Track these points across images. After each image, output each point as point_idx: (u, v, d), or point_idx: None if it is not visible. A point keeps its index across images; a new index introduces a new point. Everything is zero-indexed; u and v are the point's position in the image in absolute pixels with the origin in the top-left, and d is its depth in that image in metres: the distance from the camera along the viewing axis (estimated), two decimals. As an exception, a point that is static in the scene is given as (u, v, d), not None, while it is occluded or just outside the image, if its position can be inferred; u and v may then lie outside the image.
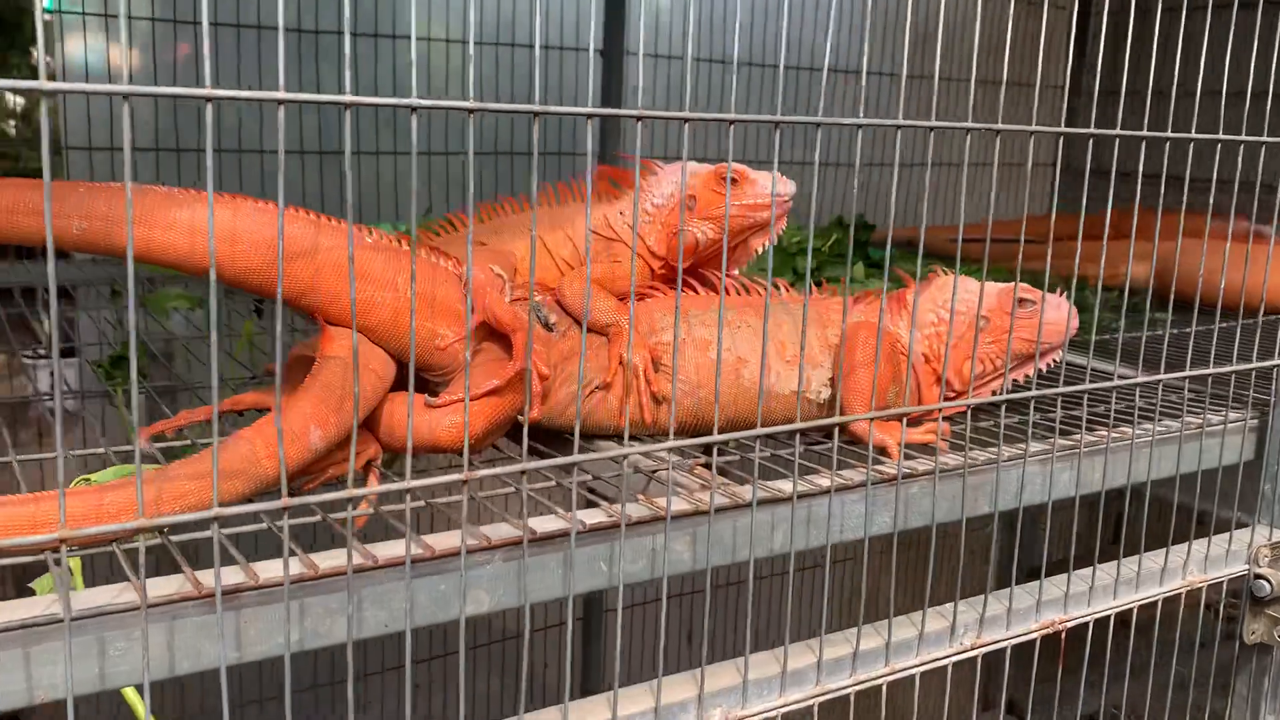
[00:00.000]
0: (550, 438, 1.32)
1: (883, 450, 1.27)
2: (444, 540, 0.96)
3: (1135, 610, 1.37)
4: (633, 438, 1.31)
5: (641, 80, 0.97)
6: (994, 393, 1.51)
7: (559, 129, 2.91)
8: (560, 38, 2.90)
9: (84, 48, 2.35)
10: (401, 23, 2.69)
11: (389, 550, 0.94)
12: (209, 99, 0.68)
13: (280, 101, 0.71)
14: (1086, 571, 1.35)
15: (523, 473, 0.93)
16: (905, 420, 1.27)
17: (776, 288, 1.44)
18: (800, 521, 1.12)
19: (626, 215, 1.43)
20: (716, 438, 1.00)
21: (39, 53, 0.69)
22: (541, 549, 0.98)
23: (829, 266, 2.23)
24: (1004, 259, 2.85)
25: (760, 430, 1.03)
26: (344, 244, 1.21)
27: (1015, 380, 1.48)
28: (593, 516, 1.04)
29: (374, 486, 1.03)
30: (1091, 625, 1.33)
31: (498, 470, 1.03)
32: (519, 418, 1.24)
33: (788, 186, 1.37)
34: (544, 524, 1.01)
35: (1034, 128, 1.18)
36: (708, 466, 1.22)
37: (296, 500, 0.80)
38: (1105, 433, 1.42)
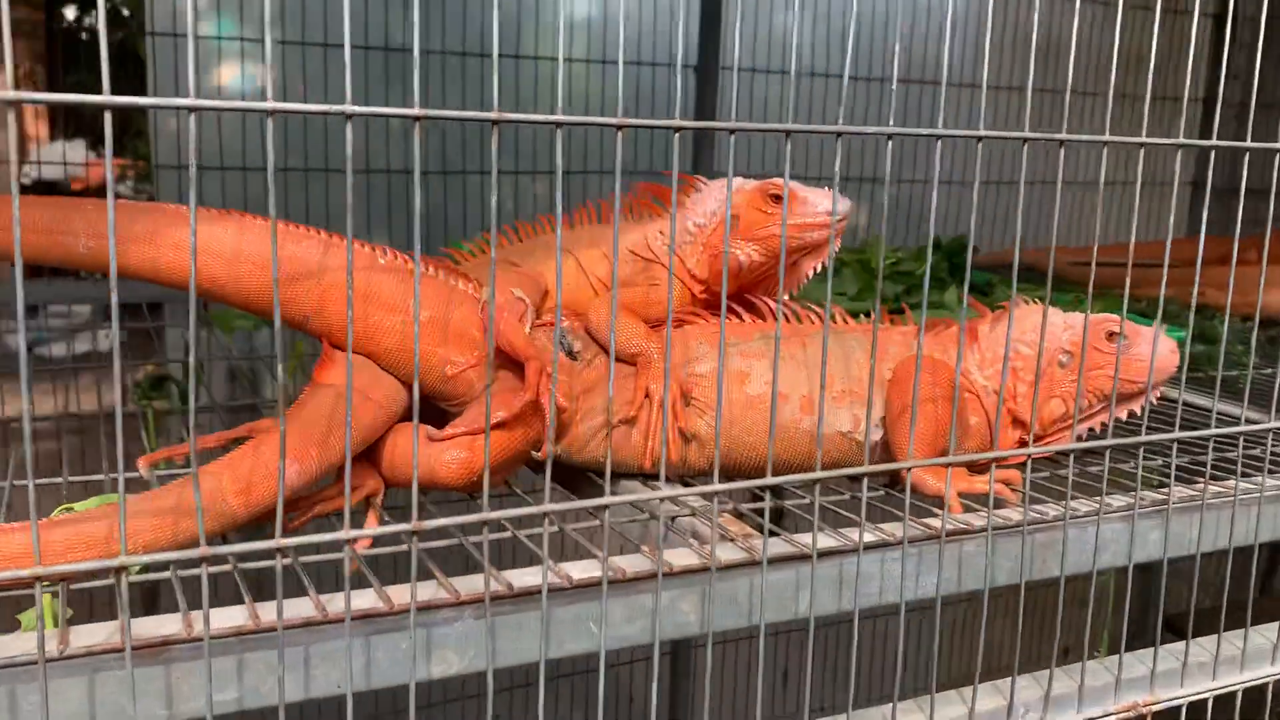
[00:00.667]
0: (571, 475, 1.22)
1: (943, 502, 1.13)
2: (463, 584, 0.88)
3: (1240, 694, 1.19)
4: (656, 478, 1.20)
5: (736, 90, 0.89)
6: (1080, 438, 1.34)
7: (649, 146, 2.82)
8: (653, 53, 2.82)
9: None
10: (507, 43, 2.66)
11: (356, 601, 0.86)
12: (272, 112, 0.69)
13: (347, 115, 0.70)
14: (1178, 647, 1.18)
15: (545, 515, 0.84)
16: (955, 466, 1.13)
17: (832, 316, 1.31)
18: (828, 582, 1.00)
19: (666, 235, 1.32)
20: (768, 480, 0.90)
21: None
22: (565, 599, 0.89)
23: (919, 292, 2.07)
24: (1135, 285, 2.65)
25: (793, 477, 0.91)
26: (354, 265, 1.14)
27: (1107, 424, 1.31)
28: (624, 563, 0.94)
29: (368, 529, 0.95)
30: (1184, 711, 1.16)
31: (496, 514, 0.94)
32: (534, 453, 1.15)
33: (843, 205, 1.24)
34: (577, 569, 0.92)
35: (1181, 141, 1.04)
36: (737, 514, 1.11)
37: (292, 541, 0.74)
38: (1203, 486, 1.24)
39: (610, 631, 0.90)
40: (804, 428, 1.20)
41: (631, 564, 0.94)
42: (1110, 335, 1.26)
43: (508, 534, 1.00)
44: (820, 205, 1.24)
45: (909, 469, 1.04)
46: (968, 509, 1.13)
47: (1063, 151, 0.98)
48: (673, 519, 1.09)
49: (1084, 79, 3.22)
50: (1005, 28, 2.98)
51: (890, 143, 0.89)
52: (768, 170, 2.82)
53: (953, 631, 3.28)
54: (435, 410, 1.19)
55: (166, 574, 0.88)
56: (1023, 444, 1.29)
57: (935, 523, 1.08)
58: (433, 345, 1.16)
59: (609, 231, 1.36)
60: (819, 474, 0.93)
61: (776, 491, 1.15)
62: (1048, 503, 1.16)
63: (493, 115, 0.73)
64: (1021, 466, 1.27)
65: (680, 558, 0.97)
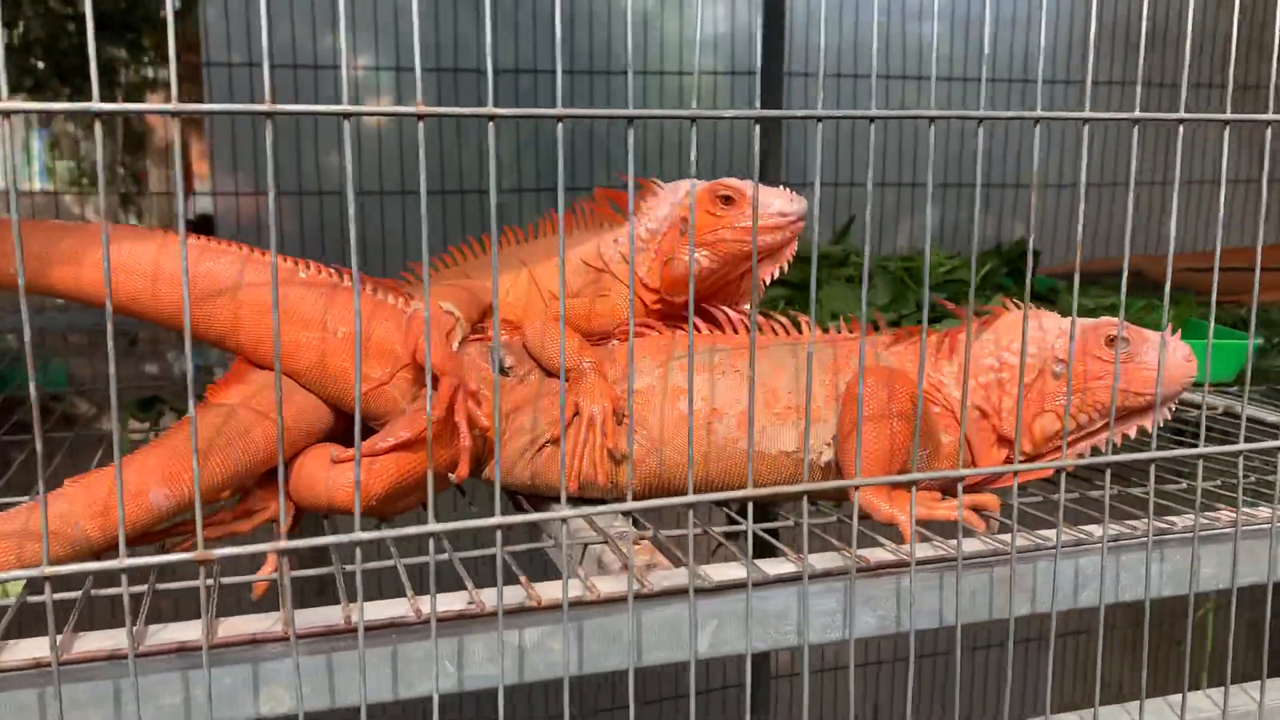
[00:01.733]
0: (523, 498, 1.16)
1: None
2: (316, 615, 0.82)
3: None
4: (586, 501, 1.12)
5: (823, 74, 0.84)
6: (1080, 456, 1.20)
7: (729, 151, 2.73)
8: (714, 60, 2.75)
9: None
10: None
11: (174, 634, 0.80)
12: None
13: (419, 116, 0.70)
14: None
15: (431, 535, 0.78)
16: (918, 489, 1.00)
17: (796, 325, 1.21)
18: (735, 618, 0.89)
19: (621, 243, 1.24)
20: (689, 498, 0.81)
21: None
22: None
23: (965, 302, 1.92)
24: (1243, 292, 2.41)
25: (718, 495, 0.81)
26: (269, 280, 1.10)
27: (1115, 443, 1.16)
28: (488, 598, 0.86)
29: (224, 549, 0.89)
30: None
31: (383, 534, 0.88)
32: (451, 475, 1.08)
33: (797, 205, 1.14)
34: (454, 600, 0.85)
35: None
36: (655, 543, 1.01)
37: (136, 561, 0.70)
38: (1229, 514, 1.08)
39: (470, 671, 0.82)
40: (742, 447, 1.09)
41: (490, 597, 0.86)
42: (1110, 341, 1.12)
43: (445, 556, 0.94)
44: (773, 205, 1.14)
45: (856, 489, 0.93)
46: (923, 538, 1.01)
47: (1180, 133, 0.87)
48: (585, 546, 1.01)
49: (1197, 68, 2.98)
50: (1104, 16, 2.79)
51: (980, 129, 0.83)
52: (848, 177, 2.69)
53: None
54: (368, 431, 1.14)
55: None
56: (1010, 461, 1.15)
57: (876, 554, 0.96)
58: (349, 361, 1.11)
59: (567, 241, 1.28)
60: (750, 492, 0.82)
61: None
62: (1021, 531, 1.03)
63: (558, 111, 0.72)
64: (1008, 490, 1.14)
65: (557, 590, 0.88)
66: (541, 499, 1.15)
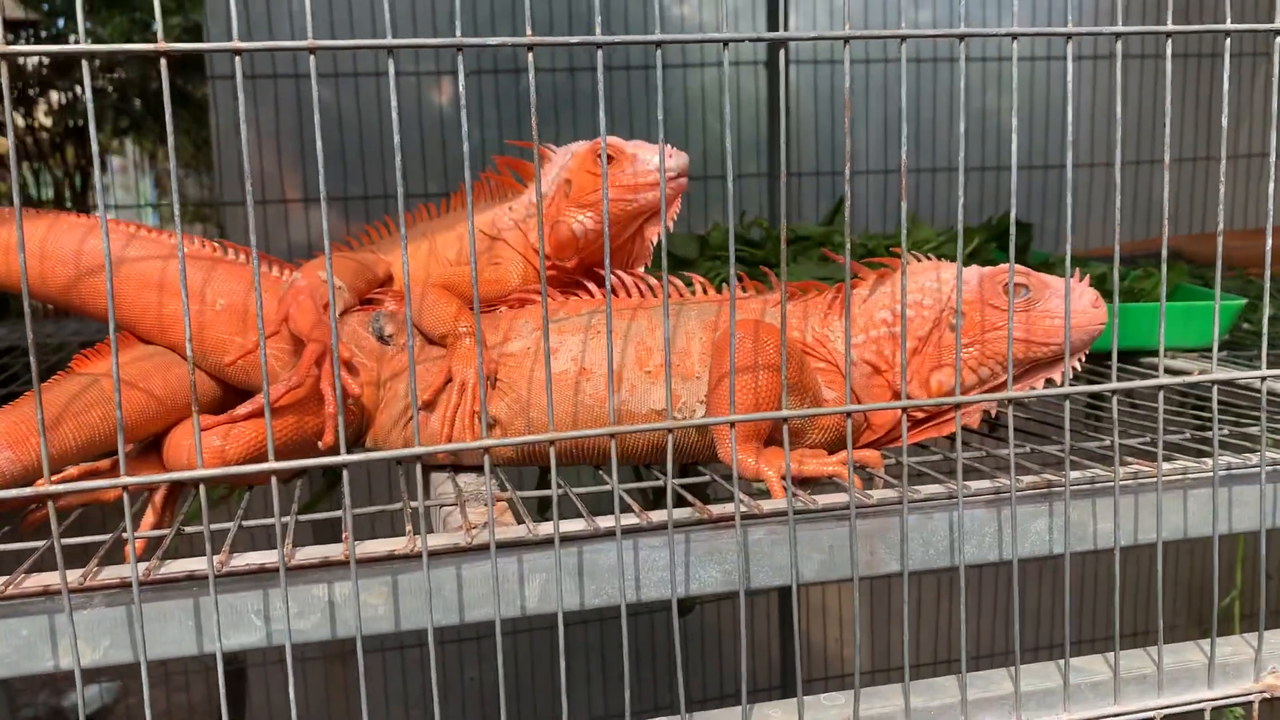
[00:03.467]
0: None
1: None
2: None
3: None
4: (462, 469, 1.10)
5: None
6: (990, 415, 1.14)
7: (737, 146, 2.70)
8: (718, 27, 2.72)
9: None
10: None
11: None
12: (311, 50, 0.69)
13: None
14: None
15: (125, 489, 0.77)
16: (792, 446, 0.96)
17: (690, 285, 1.17)
18: (570, 571, 0.87)
19: (516, 210, 1.23)
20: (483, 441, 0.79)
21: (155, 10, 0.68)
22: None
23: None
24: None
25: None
26: (153, 255, 1.12)
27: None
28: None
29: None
30: None
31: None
32: (319, 444, 1.08)
33: (676, 160, 1.11)
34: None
35: None
36: (512, 501, 0.99)
37: None
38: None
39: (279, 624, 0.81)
40: (615, 406, 1.06)
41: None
42: (1015, 288, 1.06)
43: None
44: (652, 162, 1.11)
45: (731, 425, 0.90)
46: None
47: (1277, 44, 0.86)
48: (441, 505, 0.99)
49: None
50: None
51: (964, 46, 0.79)
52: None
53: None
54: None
55: None
56: (914, 422, 1.10)
57: (724, 508, 0.93)
58: (230, 333, 1.12)
59: (464, 215, 1.28)
60: (612, 429, 0.80)
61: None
62: (897, 486, 0.98)
63: (528, 40, 0.72)
64: (892, 445, 1.09)
65: (382, 546, 0.87)
66: (430, 468, 1.14)
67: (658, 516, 0.90)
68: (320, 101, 0.71)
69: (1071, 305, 1.04)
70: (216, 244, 1.16)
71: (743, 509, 0.91)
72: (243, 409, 1.01)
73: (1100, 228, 2.85)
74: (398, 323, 1.15)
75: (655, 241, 1.16)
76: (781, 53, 0.81)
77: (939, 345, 1.08)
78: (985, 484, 0.99)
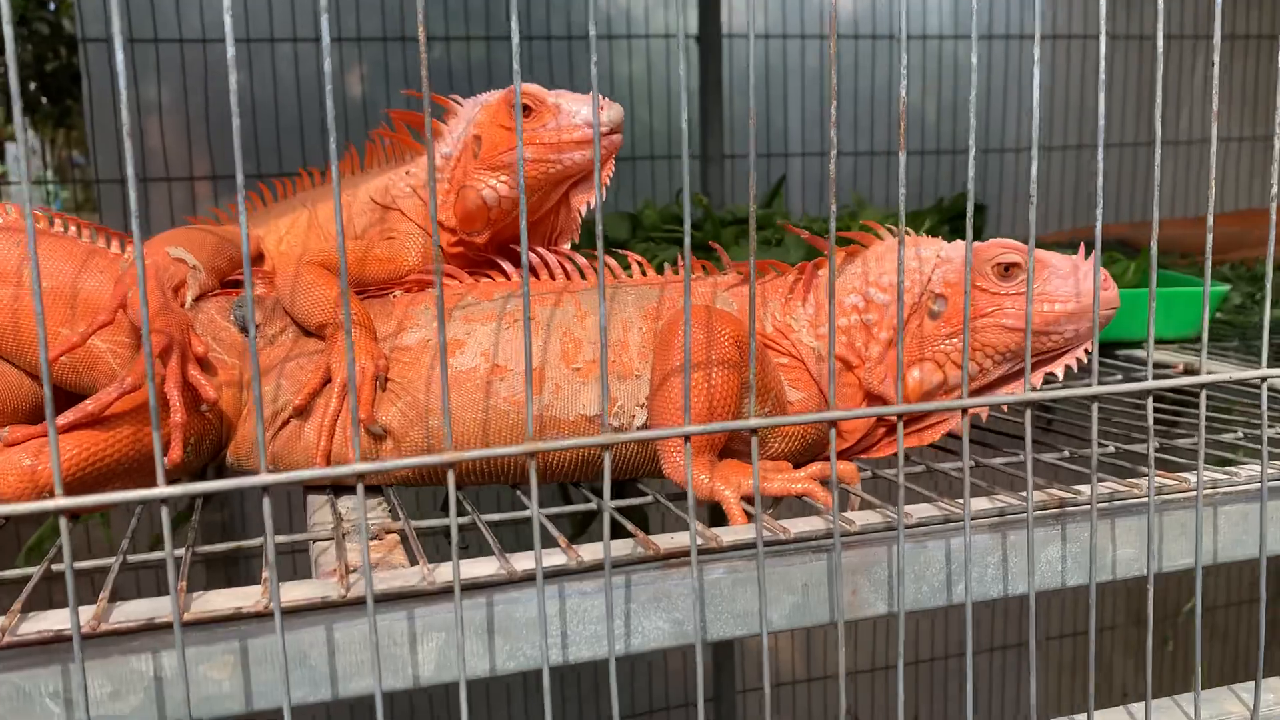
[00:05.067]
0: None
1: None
2: None
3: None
4: (342, 489, 0.89)
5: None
6: (983, 419, 0.97)
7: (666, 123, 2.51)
8: (645, 25, 2.53)
9: None
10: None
11: None
12: None
13: None
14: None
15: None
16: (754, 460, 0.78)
17: (627, 266, 0.98)
18: (471, 629, 0.67)
19: (414, 175, 1.02)
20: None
21: None
22: None
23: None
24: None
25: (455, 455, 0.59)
26: (-53, 226, 0.89)
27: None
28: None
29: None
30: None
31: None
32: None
33: (610, 112, 0.92)
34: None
35: None
36: (402, 536, 0.79)
37: None
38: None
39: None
40: (537, 411, 0.87)
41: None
42: (1004, 269, 0.89)
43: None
44: (580, 114, 0.92)
45: (686, 439, 0.71)
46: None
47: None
48: (313, 543, 0.79)
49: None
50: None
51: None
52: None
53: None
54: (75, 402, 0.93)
55: None
56: (888, 428, 0.93)
57: (678, 539, 0.74)
58: (53, 323, 0.90)
59: (354, 180, 1.07)
60: (530, 445, 0.61)
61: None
62: (880, 507, 0.80)
63: None
64: (865, 455, 0.92)
65: (227, 600, 0.66)
66: (307, 488, 0.93)
67: (589, 553, 0.71)
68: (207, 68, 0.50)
69: (1080, 286, 0.88)
70: (48, 213, 0.94)
71: (698, 542, 0.72)
72: (63, 418, 0.79)
73: (1043, 212, 2.73)
74: (268, 310, 0.93)
75: (584, 212, 0.97)
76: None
77: (919, 336, 0.91)
78: (983, 503, 0.82)
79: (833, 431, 0.68)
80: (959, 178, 2.48)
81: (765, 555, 0.73)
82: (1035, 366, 0.92)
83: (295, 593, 0.66)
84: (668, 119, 2.51)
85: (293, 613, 0.65)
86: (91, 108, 2.26)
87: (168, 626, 0.63)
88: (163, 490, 0.57)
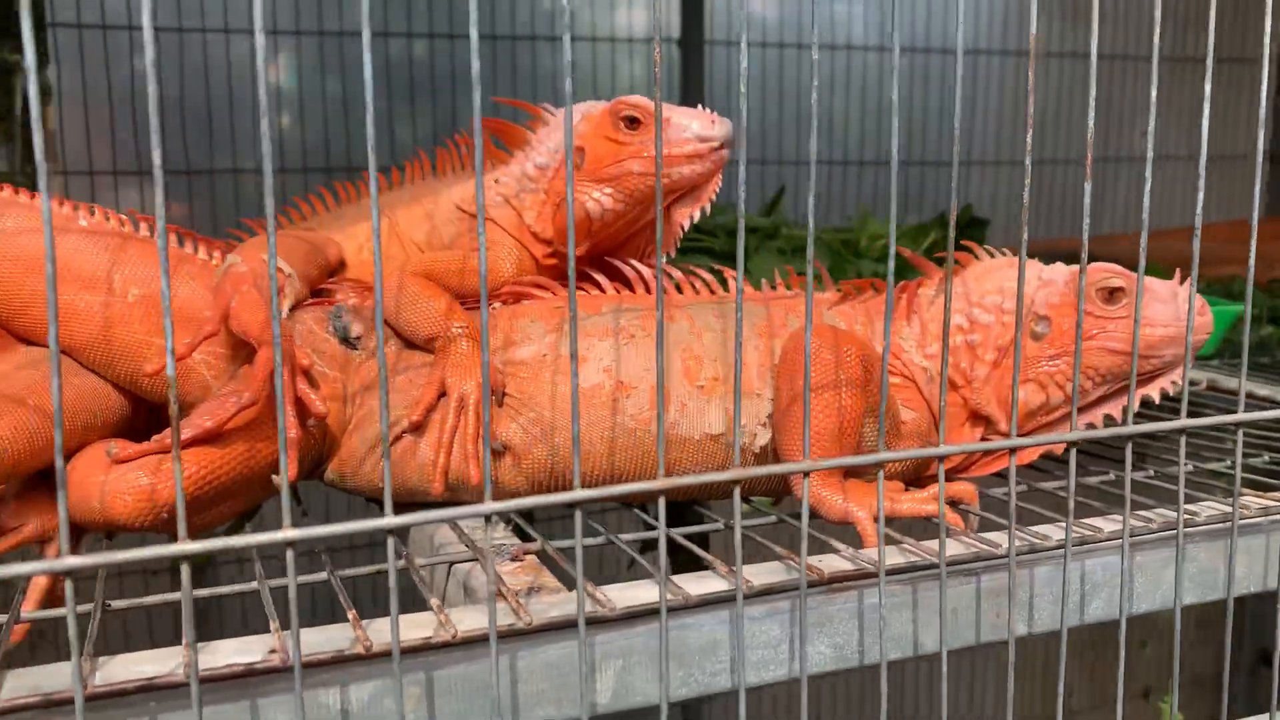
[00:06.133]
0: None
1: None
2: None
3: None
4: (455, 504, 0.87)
5: None
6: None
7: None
8: (628, 29, 2.51)
9: None
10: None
11: None
12: None
13: None
14: None
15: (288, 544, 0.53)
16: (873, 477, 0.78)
17: (722, 281, 0.98)
18: (647, 656, 0.66)
19: (505, 184, 1.00)
20: (576, 494, 0.57)
21: None
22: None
23: (912, 273, 1.72)
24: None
25: (591, 493, 0.57)
26: (34, 226, 0.85)
27: (1111, 415, 0.95)
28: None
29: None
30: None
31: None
32: (274, 478, 0.83)
33: (721, 128, 0.91)
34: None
35: None
36: (541, 557, 0.78)
37: None
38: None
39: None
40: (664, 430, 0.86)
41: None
42: (1108, 294, 0.91)
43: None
44: (691, 128, 0.91)
45: (805, 475, 0.70)
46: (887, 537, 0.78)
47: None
48: (450, 566, 0.77)
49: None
50: None
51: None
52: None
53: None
54: (156, 419, 0.89)
55: None
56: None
57: (831, 562, 0.74)
58: (148, 332, 0.86)
59: (434, 186, 1.04)
60: (662, 483, 0.59)
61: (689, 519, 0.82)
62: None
63: None
64: (980, 476, 0.92)
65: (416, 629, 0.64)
66: (407, 505, 0.90)
67: (757, 577, 0.70)
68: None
69: (1180, 310, 0.90)
70: (125, 217, 0.89)
71: (851, 566, 0.72)
72: (185, 433, 0.76)
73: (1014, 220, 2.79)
74: (365, 321, 0.90)
75: (686, 226, 0.96)
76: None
77: (1023, 357, 0.92)
78: (1106, 523, 0.83)
79: (941, 467, 0.69)
80: (970, 191, 2.51)
81: (918, 579, 0.73)
82: (1127, 388, 0.94)
83: (469, 621, 0.64)
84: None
85: (470, 643, 0.63)
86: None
87: (358, 659, 0.60)
88: (288, 534, 0.55)
